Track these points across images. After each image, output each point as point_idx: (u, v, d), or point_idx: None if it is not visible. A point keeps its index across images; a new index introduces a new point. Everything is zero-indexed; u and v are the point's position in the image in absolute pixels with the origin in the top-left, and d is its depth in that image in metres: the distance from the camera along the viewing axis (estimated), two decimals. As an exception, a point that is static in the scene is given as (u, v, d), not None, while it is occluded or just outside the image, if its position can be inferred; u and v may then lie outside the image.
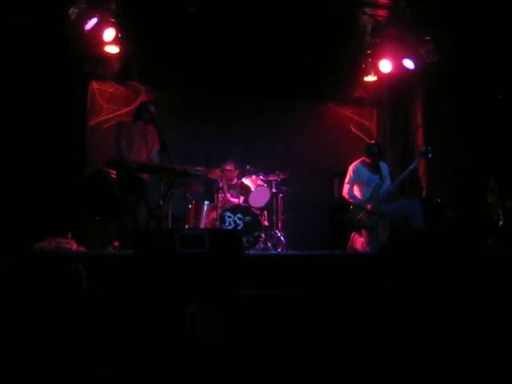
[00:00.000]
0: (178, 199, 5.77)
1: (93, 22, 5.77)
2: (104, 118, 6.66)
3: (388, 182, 5.77)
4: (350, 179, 5.75)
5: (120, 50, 6.20)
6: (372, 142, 6.29)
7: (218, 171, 5.97)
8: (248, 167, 6.26)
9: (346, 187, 5.76)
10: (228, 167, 6.29)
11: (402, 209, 5.58)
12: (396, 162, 7.30)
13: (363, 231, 5.65)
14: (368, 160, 5.75)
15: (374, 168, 5.74)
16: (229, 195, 6.38)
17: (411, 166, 5.82)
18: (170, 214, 5.10)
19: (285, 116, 7.37)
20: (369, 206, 5.54)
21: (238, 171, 6.35)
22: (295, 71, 6.91)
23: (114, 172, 5.01)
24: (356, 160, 5.87)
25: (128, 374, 2.92)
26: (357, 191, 5.73)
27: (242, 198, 6.17)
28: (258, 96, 7.29)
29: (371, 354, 3.07)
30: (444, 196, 6.56)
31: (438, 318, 3.14)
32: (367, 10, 6.35)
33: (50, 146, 5.88)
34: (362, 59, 6.98)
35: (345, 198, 5.77)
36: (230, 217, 5.84)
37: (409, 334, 3.09)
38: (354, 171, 5.75)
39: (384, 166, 5.85)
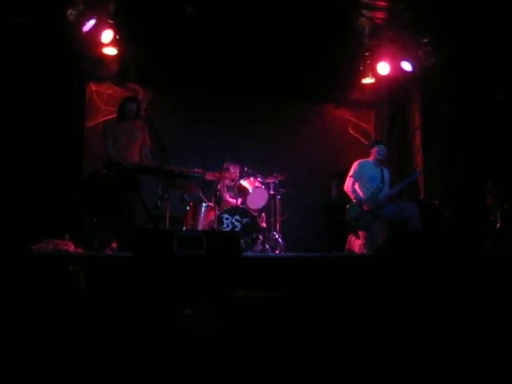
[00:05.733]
0: (175, 201, 5.77)
1: (91, 23, 5.77)
2: (102, 119, 6.64)
3: (387, 188, 5.80)
4: (353, 173, 5.79)
5: (118, 51, 6.20)
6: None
7: (216, 173, 5.96)
8: (246, 169, 6.26)
9: (348, 180, 5.79)
10: (232, 169, 6.31)
11: (399, 210, 5.60)
12: (393, 164, 7.30)
13: (360, 233, 5.66)
14: (373, 157, 5.83)
15: (378, 169, 5.79)
16: (227, 196, 6.38)
17: (417, 173, 5.89)
18: (167, 215, 5.09)
19: (283, 118, 7.37)
20: (366, 207, 5.56)
21: (238, 173, 6.36)
22: (293, 73, 6.91)
23: (112, 173, 5.00)
24: (357, 160, 5.93)
25: (126, 375, 2.91)
26: (357, 189, 5.75)
27: (239, 200, 6.16)
28: (257, 97, 7.30)
29: (367, 354, 3.07)
30: (441, 198, 6.57)
31: (436, 319, 3.14)
32: (365, 12, 6.36)
33: (48, 148, 5.86)
34: (360, 61, 6.99)
35: (346, 192, 5.80)
36: (227, 218, 5.84)
37: (404, 334, 3.09)
38: (358, 165, 5.81)
39: (386, 172, 5.88)
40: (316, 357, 3.02)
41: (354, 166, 5.82)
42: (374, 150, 5.89)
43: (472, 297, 3.25)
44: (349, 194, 5.77)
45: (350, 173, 5.81)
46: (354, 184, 5.75)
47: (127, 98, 5.68)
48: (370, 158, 5.91)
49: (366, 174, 5.76)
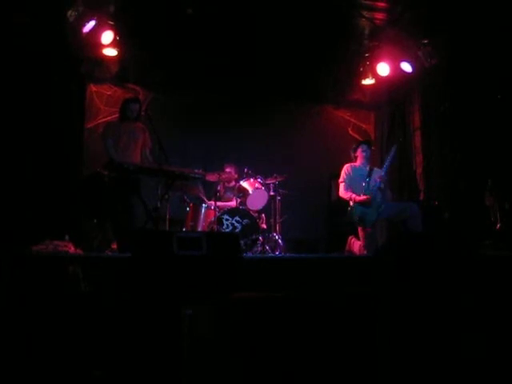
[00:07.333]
0: (175, 202, 5.77)
1: (91, 24, 5.78)
2: (102, 120, 6.66)
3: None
4: (343, 178, 5.77)
5: (118, 52, 6.20)
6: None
7: (216, 174, 5.97)
8: (246, 170, 6.26)
9: (341, 186, 5.76)
10: (228, 169, 6.31)
11: (400, 211, 5.58)
12: (393, 165, 7.26)
13: (361, 234, 5.64)
14: (360, 159, 5.83)
15: (366, 169, 5.78)
16: (226, 197, 6.39)
17: (392, 152, 5.82)
18: (167, 216, 5.09)
19: (283, 119, 7.38)
20: (364, 197, 5.49)
21: (237, 174, 6.36)
22: (293, 74, 6.92)
23: (112, 174, 5.00)
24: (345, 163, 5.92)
25: (126, 375, 2.91)
26: (351, 191, 5.74)
27: (239, 201, 6.16)
28: (257, 98, 7.31)
29: (367, 355, 3.07)
30: (442, 198, 6.57)
31: (435, 320, 3.14)
32: (365, 13, 6.36)
33: (48, 148, 5.87)
34: (359, 62, 7.00)
35: (341, 198, 5.76)
36: (227, 219, 5.84)
37: (405, 336, 3.09)
38: (346, 170, 5.79)
39: (375, 170, 5.85)
40: (316, 358, 3.02)
41: (343, 171, 5.80)
42: (359, 151, 5.87)
43: (472, 297, 3.25)
44: (345, 198, 5.67)
45: (340, 179, 5.77)
46: (347, 187, 5.71)
47: (130, 98, 5.68)
48: (358, 162, 5.88)
49: (356, 174, 5.74)
